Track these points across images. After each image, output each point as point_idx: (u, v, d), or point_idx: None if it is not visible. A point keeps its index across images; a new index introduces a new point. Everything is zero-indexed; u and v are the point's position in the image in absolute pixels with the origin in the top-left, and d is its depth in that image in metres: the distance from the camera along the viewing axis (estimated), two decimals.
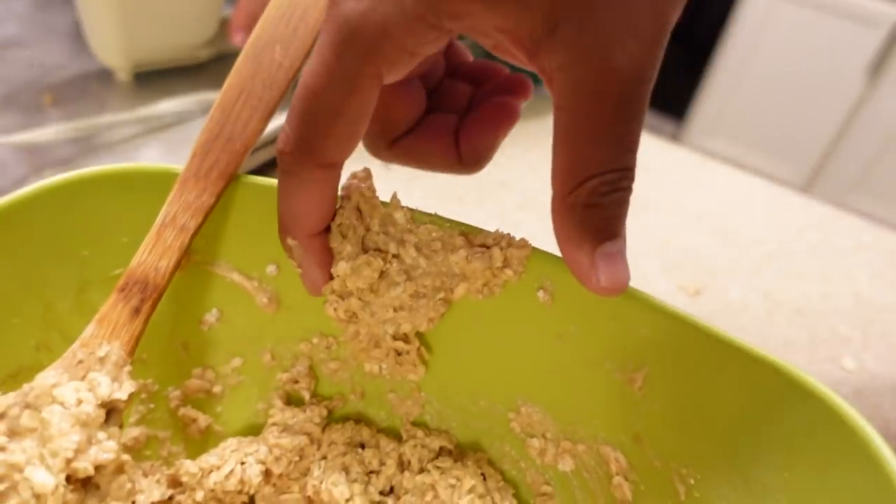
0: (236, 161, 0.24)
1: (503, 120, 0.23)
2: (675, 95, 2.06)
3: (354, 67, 0.18)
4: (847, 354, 0.39)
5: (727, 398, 0.21)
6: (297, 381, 0.27)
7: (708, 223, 0.50)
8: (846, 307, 0.43)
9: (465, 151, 0.23)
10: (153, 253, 0.22)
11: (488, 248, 0.22)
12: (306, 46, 0.25)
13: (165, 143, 0.44)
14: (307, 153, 0.20)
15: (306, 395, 0.27)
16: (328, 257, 0.23)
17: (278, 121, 0.46)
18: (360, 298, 0.23)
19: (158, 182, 0.23)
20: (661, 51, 0.17)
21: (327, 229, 0.23)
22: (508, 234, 0.22)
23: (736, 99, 1.87)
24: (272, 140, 0.45)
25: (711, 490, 0.21)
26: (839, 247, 0.49)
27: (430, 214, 0.23)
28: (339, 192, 0.23)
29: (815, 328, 0.41)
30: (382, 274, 0.23)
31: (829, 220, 0.52)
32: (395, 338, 0.25)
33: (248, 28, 0.50)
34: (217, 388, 0.27)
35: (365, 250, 0.23)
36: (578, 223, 0.18)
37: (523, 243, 0.22)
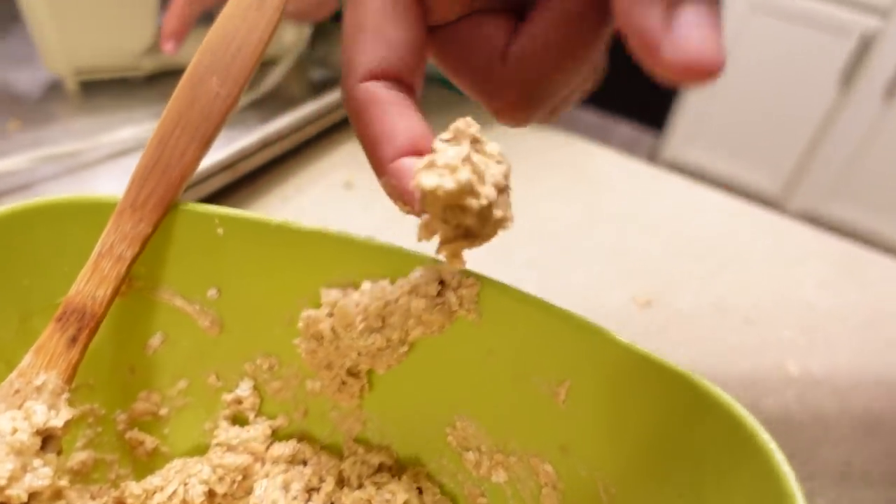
0: (173, 190, 0.24)
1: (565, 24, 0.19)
2: (653, 107, 2.09)
3: None
4: (792, 360, 0.41)
5: (643, 409, 0.22)
6: (240, 402, 0.28)
7: (663, 234, 0.51)
8: (793, 314, 0.44)
9: (513, 52, 0.20)
10: (90, 282, 0.23)
11: (442, 287, 0.23)
12: (244, 76, 0.25)
13: (127, 168, 0.45)
14: (348, 73, 0.20)
15: (251, 415, 0.28)
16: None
17: (217, 151, 0.46)
18: (333, 331, 0.24)
19: (99, 211, 0.24)
20: None
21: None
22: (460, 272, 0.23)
23: (713, 109, 1.90)
24: (219, 171, 0.45)
25: (632, 499, 0.22)
26: (789, 256, 0.50)
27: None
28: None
29: (763, 335, 0.42)
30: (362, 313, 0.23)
31: (779, 229, 0.54)
32: (349, 372, 0.25)
33: (179, 36, 0.50)
34: (164, 411, 0.28)
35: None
36: None
37: (472, 282, 0.22)
